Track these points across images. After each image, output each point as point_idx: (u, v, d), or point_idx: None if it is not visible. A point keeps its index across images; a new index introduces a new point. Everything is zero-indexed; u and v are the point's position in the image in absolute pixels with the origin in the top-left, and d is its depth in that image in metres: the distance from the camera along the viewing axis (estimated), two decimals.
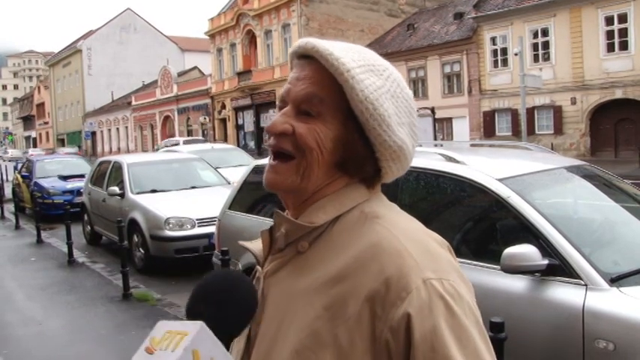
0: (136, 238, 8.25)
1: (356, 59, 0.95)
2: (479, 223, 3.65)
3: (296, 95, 0.96)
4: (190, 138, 33.37)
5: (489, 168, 3.48)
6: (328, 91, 0.94)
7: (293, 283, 0.94)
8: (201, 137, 37.08)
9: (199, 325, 0.75)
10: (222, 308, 0.85)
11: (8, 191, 17.42)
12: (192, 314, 0.84)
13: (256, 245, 1.06)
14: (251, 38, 41.92)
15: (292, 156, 0.94)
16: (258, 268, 1.03)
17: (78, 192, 13.04)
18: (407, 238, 0.89)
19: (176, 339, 0.73)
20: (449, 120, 29.71)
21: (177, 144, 24.85)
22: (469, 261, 3.23)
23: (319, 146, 0.93)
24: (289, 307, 0.92)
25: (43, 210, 12.80)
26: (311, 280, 0.91)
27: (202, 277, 0.94)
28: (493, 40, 28.16)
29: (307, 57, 0.98)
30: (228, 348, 0.89)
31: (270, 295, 0.97)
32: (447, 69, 30.38)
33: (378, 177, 0.99)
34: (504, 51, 27.58)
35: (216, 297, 0.87)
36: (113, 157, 11.18)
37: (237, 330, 0.88)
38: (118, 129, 58.75)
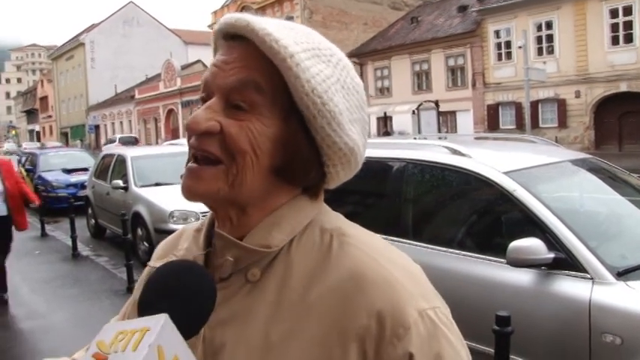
0: (140, 231, 8.25)
1: (299, 41, 0.76)
2: (484, 217, 3.63)
3: (224, 82, 0.77)
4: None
5: (495, 161, 3.46)
6: (265, 79, 0.75)
7: (249, 325, 0.76)
8: None
9: (163, 318, 0.65)
10: (179, 299, 0.71)
11: None
12: (147, 308, 0.71)
13: None
14: None
15: (219, 161, 0.76)
16: None
17: (82, 185, 13.05)
18: (390, 263, 0.76)
19: (135, 337, 0.63)
20: (453, 113, 29.66)
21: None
22: (474, 254, 3.23)
23: (253, 148, 0.75)
24: None
25: (47, 203, 12.82)
26: (275, 320, 0.75)
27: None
28: (497, 33, 28.06)
29: (238, 37, 0.78)
30: None
31: (222, 340, 0.77)
32: (451, 62, 30.30)
33: (322, 183, 0.83)
34: (508, 44, 27.50)
35: (170, 288, 0.73)
36: (117, 151, 11.18)
37: (196, 325, 0.73)
38: (121, 122, 58.80)
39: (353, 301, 0.72)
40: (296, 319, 0.74)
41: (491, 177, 3.28)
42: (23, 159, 19.42)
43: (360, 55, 34.89)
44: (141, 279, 0.97)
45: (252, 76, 0.76)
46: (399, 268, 0.76)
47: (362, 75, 35.06)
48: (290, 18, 38.03)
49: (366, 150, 0.86)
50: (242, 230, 0.80)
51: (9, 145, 66.66)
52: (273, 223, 0.80)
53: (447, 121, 29.54)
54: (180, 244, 0.90)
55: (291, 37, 0.76)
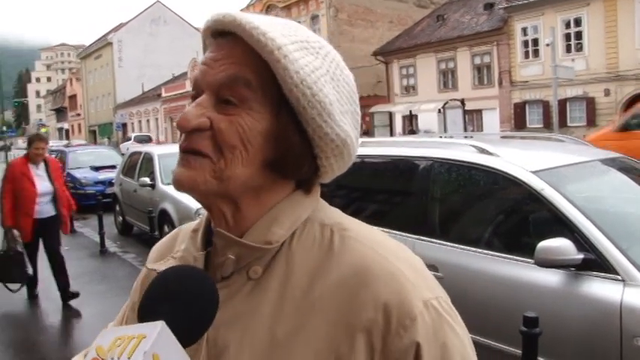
0: (166, 229, 8.33)
1: (286, 34, 0.76)
2: (512, 216, 3.59)
3: (214, 79, 0.77)
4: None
5: (523, 160, 3.42)
6: (254, 73, 0.75)
7: (254, 324, 0.75)
8: None
9: (160, 325, 0.63)
10: (179, 306, 0.70)
11: None
12: (147, 314, 0.70)
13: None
14: None
15: (208, 156, 0.76)
16: None
17: (110, 183, 13.22)
18: (393, 256, 0.77)
19: (132, 343, 0.61)
20: (479, 112, 29.38)
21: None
22: (501, 254, 3.19)
23: (244, 143, 0.75)
24: (261, 359, 0.74)
25: (75, 200, 13.02)
26: (280, 317, 0.75)
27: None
28: (524, 30, 27.70)
29: (226, 34, 0.79)
30: None
31: (225, 341, 0.77)
32: (477, 60, 30.01)
33: (316, 177, 0.83)
34: (535, 42, 27.13)
35: (170, 294, 0.71)
36: (144, 148, 11.31)
37: (198, 331, 0.72)
38: (148, 120, 59.44)
39: (358, 295, 0.73)
40: (301, 315, 0.74)
41: (519, 176, 3.24)
42: (53, 156, 19.73)
43: (386, 54, 34.76)
44: (137, 281, 0.98)
45: (241, 71, 0.76)
46: (402, 261, 0.77)
47: (387, 73, 34.96)
48: (315, 16, 38.07)
49: (358, 142, 0.86)
50: (239, 228, 0.80)
51: (54, 142, 67.81)
52: (271, 219, 0.79)
53: (472, 119, 29.26)
54: (177, 246, 0.90)
55: (279, 30, 0.76)
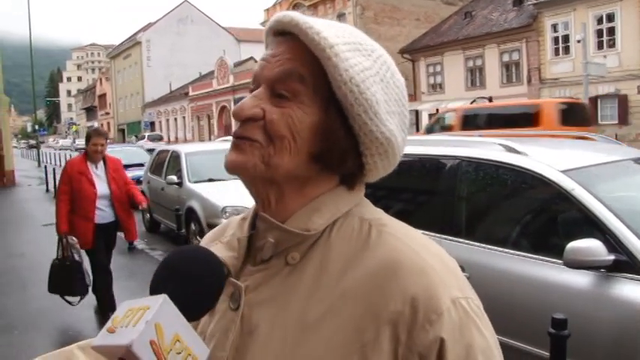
0: (193, 226, 8.41)
1: (340, 35, 0.81)
2: (540, 216, 3.53)
3: (270, 74, 0.82)
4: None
5: (552, 159, 3.36)
6: (308, 70, 0.80)
7: (287, 306, 0.79)
8: None
9: (162, 298, 0.69)
10: (184, 283, 0.75)
11: None
12: (154, 290, 0.75)
13: (221, 251, 0.87)
14: None
15: (258, 141, 0.80)
16: (233, 280, 0.85)
17: (138, 180, 13.39)
18: (427, 252, 0.79)
19: (138, 314, 0.67)
20: None
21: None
22: (530, 254, 3.15)
23: (292, 134, 0.79)
24: (290, 339, 0.77)
25: None
26: (312, 302, 0.78)
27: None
28: (554, 27, 27.28)
29: (285, 34, 0.84)
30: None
31: (258, 320, 0.81)
32: (506, 58, 29.66)
33: (360, 175, 0.86)
34: (566, 38, 26.69)
35: (179, 272, 0.76)
36: (171, 147, 11.42)
37: (202, 308, 0.76)
38: (175, 119, 60.11)
39: (388, 286, 0.75)
40: (331, 302, 0.77)
41: (548, 175, 3.19)
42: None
43: (412, 52, 34.55)
44: None
45: (295, 67, 0.80)
46: (436, 258, 0.79)
47: (414, 71, 34.73)
48: (342, 15, 38.02)
49: (405, 144, 0.88)
50: (282, 215, 0.84)
51: (64, 141, 69.31)
52: (313, 209, 0.83)
53: None
54: (227, 232, 0.94)
55: (333, 32, 0.81)
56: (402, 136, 0.86)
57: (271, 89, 0.81)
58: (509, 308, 3.12)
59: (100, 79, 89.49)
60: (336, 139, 0.80)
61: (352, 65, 0.79)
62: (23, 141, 73.00)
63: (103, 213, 5.49)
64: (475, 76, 31.42)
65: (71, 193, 5.36)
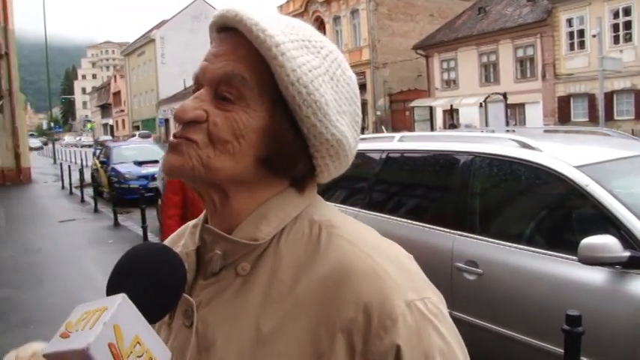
0: None
1: (287, 32, 0.76)
2: (554, 212, 3.51)
3: (213, 75, 0.77)
4: None
5: (566, 155, 3.34)
6: (252, 71, 0.76)
7: (241, 319, 0.76)
8: None
9: (120, 297, 0.64)
10: (144, 281, 0.71)
11: (87, 176, 18.24)
12: (112, 290, 0.71)
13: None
14: (320, 25, 41.94)
15: (196, 141, 0.76)
16: (185, 296, 0.79)
17: (152, 177, 13.46)
18: (379, 254, 0.75)
19: (94, 316, 0.62)
20: (521, 106, 28.84)
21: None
22: (543, 251, 3.13)
23: (237, 138, 0.75)
24: (247, 354, 0.74)
25: (119, 194, 13.35)
26: (266, 313, 0.74)
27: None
28: (569, 21, 27.02)
29: (230, 29, 0.79)
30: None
31: (214, 336, 0.77)
32: (520, 53, 29.44)
33: (311, 177, 0.82)
34: (581, 33, 26.43)
35: (137, 270, 0.73)
36: None
37: (163, 308, 0.73)
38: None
39: (340, 293, 0.72)
40: (285, 311, 0.74)
41: (562, 171, 3.17)
42: (97, 151, 20.24)
43: (426, 47, 34.40)
44: None
45: (239, 69, 0.76)
46: (388, 260, 0.75)
47: (427, 67, 34.58)
48: (355, 10, 37.92)
49: (357, 143, 0.85)
50: (229, 223, 0.80)
51: (85, 139, 70.42)
52: (260, 216, 0.79)
53: (515, 113, 28.73)
54: (181, 241, 0.90)
55: (280, 28, 0.76)
56: (353, 135, 0.82)
57: (215, 91, 0.77)
58: (523, 305, 3.10)
59: (115, 77, 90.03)
60: (284, 143, 0.77)
61: (300, 65, 0.75)
62: (40, 139, 73.91)
63: None
64: (489, 72, 31.23)
65: (183, 206, 3.93)
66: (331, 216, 0.82)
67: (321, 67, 0.78)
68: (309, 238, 0.78)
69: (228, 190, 0.79)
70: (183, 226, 0.98)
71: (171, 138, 0.79)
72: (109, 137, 69.03)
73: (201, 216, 0.88)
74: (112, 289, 0.71)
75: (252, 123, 0.76)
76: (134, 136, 54.37)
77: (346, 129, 0.80)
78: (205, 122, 0.76)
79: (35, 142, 66.26)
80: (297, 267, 0.76)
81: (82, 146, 61.67)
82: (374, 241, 0.79)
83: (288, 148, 0.77)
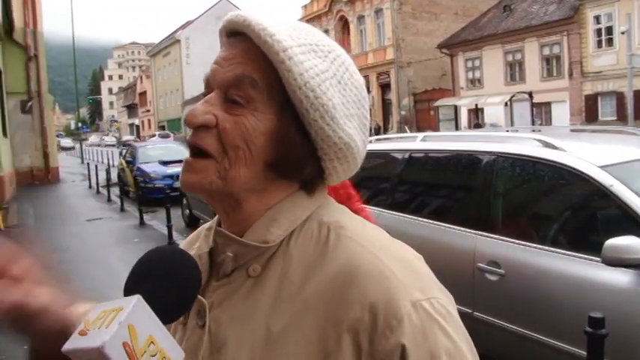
0: None
1: (295, 37, 0.78)
2: (578, 213, 3.48)
3: (222, 78, 0.79)
4: None
5: (590, 154, 3.30)
6: (262, 73, 0.77)
7: (252, 320, 0.78)
8: None
9: (135, 298, 0.67)
10: (159, 283, 0.73)
11: (114, 175, 18.51)
12: (128, 290, 0.73)
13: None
14: (344, 24, 41.97)
15: (212, 155, 0.78)
16: (199, 297, 0.81)
17: (177, 177, 13.53)
18: (386, 255, 0.76)
19: (111, 316, 0.65)
20: (548, 104, 28.48)
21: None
22: (567, 252, 3.10)
23: (247, 143, 0.76)
24: (258, 354, 0.76)
25: (145, 194, 13.51)
26: (276, 313, 0.76)
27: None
28: (597, 18, 26.59)
29: (239, 34, 0.81)
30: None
31: (225, 336, 0.79)
32: (546, 51, 29.07)
33: (321, 179, 0.83)
34: (609, 30, 25.99)
35: (153, 272, 0.74)
36: None
37: (178, 310, 0.74)
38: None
39: (346, 293, 0.73)
40: (294, 311, 0.75)
41: (586, 171, 3.14)
42: (124, 151, 20.50)
43: (451, 46, 34.17)
44: None
45: (248, 71, 0.77)
46: (396, 260, 0.75)
47: (452, 66, 34.33)
48: (379, 10, 37.82)
49: (366, 146, 0.86)
50: (241, 225, 0.82)
51: (108, 139, 71.81)
52: (271, 219, 0.81)
53: (541, 112, 28.38)
54: (196, 243, 0.92)
55: (288, 33, 0.77)
56: (361, 138, 0.83)
57: (224, 94, 0.79)
58: (545, 306, 3.08)
59: (141, 77, 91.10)
60: (292, 146, 0.78)
61: (307, 69, 0.76)
62: (64, 139, 75.30)
63: None
64: (514, 71, 30.89)
65: None
66: (340, 217, 0.83)
67: (328, 70, 0.79)
68: (318, 239, 0.79)
69: (240, 197, 0.80)
70: (198, 229, 1.00)
71: (186, 157, 0.80)
72: (131, 137, 72.74)
73: (215, 219, 0.90)
74: (128, 290, 0.73)
75: (261, 126, 0.77)
76: (154, 136, 57.97)
77: (354, 132, 0.81)
78: (215, 127, 0.77)
79: (67, 142, 67.44)
80: (306, 267, 0.77)
81: (106, 146, 63.23)
82: (382, 241, 0.79)
83: (295, 151, 0.78)
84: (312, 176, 0.82)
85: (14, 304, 0.69)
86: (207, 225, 0.93)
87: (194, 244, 0.93)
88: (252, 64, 0.78)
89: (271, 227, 0.80)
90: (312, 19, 44.58)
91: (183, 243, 1.02)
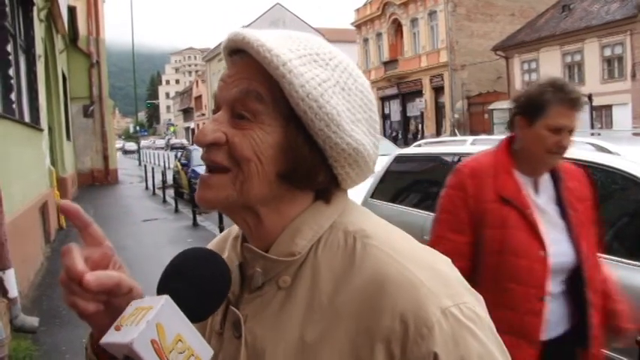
0: None
1: (294, 49, 0.80)
2: (635, 219, 3.36)
3: (228, 95, 0.81)
4: None
5: None
6: (266, 87, 0.79)
7: (287, 330, 0.79)
8: None
9: (164, 298, 0.71)
10: (190, 283, 0.75)
11: (169, 177, 18.96)
12: (160, 290, 0.76)
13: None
14: (397, 27, 41.77)
15: (227, 169, 0.80)
16: (233, 309, 0.85)
17: None
18: (413, 263, 0.77)
19: (142, 314, 0.69)
20: (608, 107, 27.55)
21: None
22: (623, 259, 3.00)
23: (257, 155, 0.78)
24: None
25: None
26: (309, 323, 0.78)
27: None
28: None
29: (240, 51, 0.83)
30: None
31: (262, 347, 0.81)
32: (607, 52, 28.15)
33: (336, 186, 0.85)
34: None
35: (185, 272, 0.77)
36: None
37: (208, 309, 0.77)
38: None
39: (377, 303, 0.74)
40: (327, 321, 0.77)
41: None
42: (179, 154, 20.98)
43: (506, 48, 33.52)
44: None
45: (253, 86, 0.79)
46: (423, 268, 0.76)
47: (507, 68, 33.63)
48: (433, 12, 37.46)
49: (377, 149, 0.86)
50: (265, 240, 0.84)
51: (159, 141, 74.90)
52: (294, 230, 0.83)
53: (601, 116, 27.47)
54: (225, 253, 0.93)
55: (287, 46, 0.79)
56: (371, 141, 0.84)
57: (231, 111, 0.81)
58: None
59: (197, 82, 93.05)
60: (301, 156, 0.79)
61: (308, 80, 0.78)
62: (128, 143, 77.96)
63: (558, 310, 2.10)
64: (573, 72, 30.02)
65: (475, 258, 2.10)
66: (365, 225, 0.83)
67: (330, 79, 0.80)
68: (345, 248, 0.80)
69: (258, 211, 0.83)
70: (226, 231, 1.02)
71: (201, 175, 0.84)
72: (178, 141, 78.19)
73: (240, 230, 0.92)
74: (160, 288, 0.77)
75: (269, 139, 0.79)
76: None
77: (362, 136, 0.82)
78: (225, 144, 0.80)
79: (131, 145, 69.48)
80: (335, 278, 0.79)
81: (156, 148, 65.32)
82: (408, 249, 0.80)
83: (306, 161, 0.80)
84: (325, 184, 0.83)
85: (117, 283, 0.74)
86: (234, 232, 0.96)
87: (223, 249, 0.95)
88: (255, 79, 0.80)
89: (295, 238, 0.82)
90: (365, 22, 44.58)
91: (210, 244, 1.04)
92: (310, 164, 0.80)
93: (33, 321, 5.44)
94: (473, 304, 0.76)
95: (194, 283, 0.76)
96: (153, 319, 0.68)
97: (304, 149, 0.80)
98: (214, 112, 0.85)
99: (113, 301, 0.75)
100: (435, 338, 0.71)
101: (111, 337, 0.71)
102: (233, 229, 0.98)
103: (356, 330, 0.75)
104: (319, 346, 0.77)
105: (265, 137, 0.79)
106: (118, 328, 0.71)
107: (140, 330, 0.67)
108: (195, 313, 0.74)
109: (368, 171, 0.87)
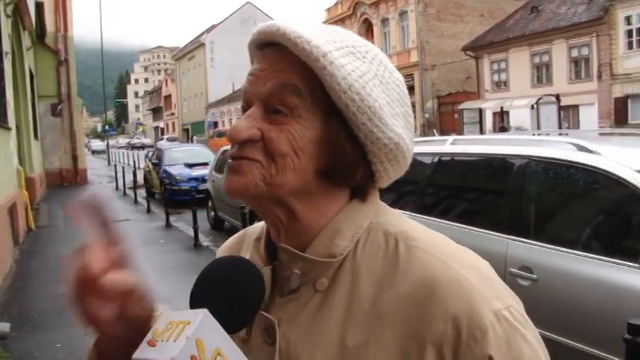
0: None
1: (331, 41, 0.76)
2: (613, 217, 3.41)
3: (262, 89, 0.77)
4: None
5: (626, 158, 3.23)
6: (303, 81, 0.75)
7: (324, 335, 0.76)
8: None
9: (202, 313, 0.68)
10: (225, 294, 0.73)
11: (140, 177, 18.72)
12: (194, 303, 0.74)
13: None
14: (368, 27, 41.91)
15: (260, 162, 0.76)
16: (264, 314, 0.80)
17: (203, 179, 13.72)
18: (460, 264, 0.74)
19: (178, 329, 0.67)
20: (575, 107, 28.07)
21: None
22: (602, 257, 3.04)
23: (295, 151, 0.75)
24: None
25: (170, 196, 13.64)
26: (349, 327, 0.75)
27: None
28: (628, 19, 26.18)
29: (271, 45, 0.78)
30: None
31: (297, 353, 0.77)
32: (575, 53, 28.69)
33: (372, 183, 0.82)
34: None
35: (218, 284, 0.75)
36: None
37: (243, 320, 0.75)
38: (238, 118, 60.93)
39: (427, 307, 0.72)
40: (370, 326, 0.74)
41: (622, 175, 3.07)
42: (149, 153, 20.73)
43: (476, 48, 33.91)
44: None
45: (289, 79, 0.76)
46: (471, 270, 0.74)
47: (477, 68, 34.05)
48: (404, 12, 37.71)
49: (413, 144, 0.84)
50: (300, 239, 0.80)
51: (121, 140, 74.52)
52: (334, 231, 0.79)
53: (568, 115, 27.99)
54: (244, 251, 0.91)
55: (324, 37, 0.76)
56: (409, 136, 0.82)
57: (265, 106, 0.77)
58: (580, 312, 3.02)
59: (166, 81, 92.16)
60: (343, 152, 0.76)
61: (349, 72, 0.74)
62: (94, 141, 76.50)
63: None
64: (541, 73, 30.54)
65: None
66: (405, 226, 0.81)
67: (369, 72, 0.77)
68: (386, 251, 0.77)
69: (293, 207, 0.79)
70: (240, 233, 0.99)
71: (229, 160, 0.79)
72: (139, 140, 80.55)
73: (262, 230, 0.89)
74: (196, 300, 0.74)
75: (308, 134, 0.75)
76: (162, 139, 63.89)
77: (402, 130, 0.80)
78: (260, 140, 0.76)
79: (100, 144, 67.63)
80: (377, 281, 0.76)
81: (119, 148, 64.55)
82: (452, 250, 0.78)
83: (347, 156, 0.77)
84: (363, 181, 0.80)
85: (135, 287, 0.73)
86: (253, 232, 0.93)
87: (239, 251, 0.93)
88: (292, 72, 0.76)
89: (335, 239, 0.79)
90: (335, 22, 44.63)
91: (222, 248, 1.02)
92: (352, 160, 0.77)
93: (3, 327, 5.29)
94: (518, 306, 0.75)
95: (229, 295, 0.74)
96: (192, 334, 0.66)
97: (346, 145, 0.76)
98: (244, 108, 0.81)
99: (125, 307, 0.72)
100: (489, 341, 0.69)
101: (146, 353, 0.68)
102: (249, 231, 0.94)
103: (404, 334, 0.72)
104: (362, 351, 0.73)
105: (304, 132, 0.75)
106: (152, 344, 0.68)
107: (181, 347, 0.65)
108: (231, 324, 0.71)
109: (405, 166, 0.84)
